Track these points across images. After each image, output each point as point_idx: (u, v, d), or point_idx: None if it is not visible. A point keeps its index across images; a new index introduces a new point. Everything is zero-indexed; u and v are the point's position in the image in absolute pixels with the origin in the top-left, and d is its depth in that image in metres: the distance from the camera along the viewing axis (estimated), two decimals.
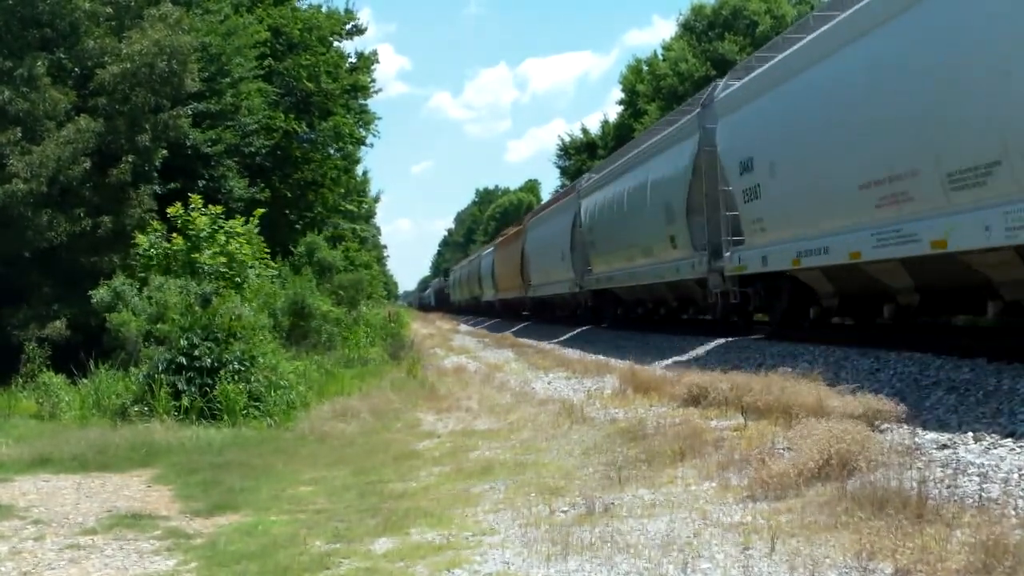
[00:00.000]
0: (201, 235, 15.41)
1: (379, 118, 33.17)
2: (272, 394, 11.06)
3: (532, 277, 31.48)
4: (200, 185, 18.29)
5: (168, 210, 15.79)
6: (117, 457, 8.55)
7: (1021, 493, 4.77)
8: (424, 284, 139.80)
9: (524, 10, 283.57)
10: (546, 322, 31.57)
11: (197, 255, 15.13)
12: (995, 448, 5.70)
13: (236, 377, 10.84)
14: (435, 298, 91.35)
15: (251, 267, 16.14)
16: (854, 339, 10.97)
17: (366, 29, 30.32)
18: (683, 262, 15.70)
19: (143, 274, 14.90)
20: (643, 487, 6.03)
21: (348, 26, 29.03)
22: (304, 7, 27.91)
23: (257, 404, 10.81)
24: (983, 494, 4.83)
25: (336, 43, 28.39)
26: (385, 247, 79.19)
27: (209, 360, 10.84)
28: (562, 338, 23.39)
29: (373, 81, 30.39)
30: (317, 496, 6.81)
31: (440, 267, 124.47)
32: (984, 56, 7.27)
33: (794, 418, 7.06)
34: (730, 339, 14.37)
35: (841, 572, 4.01)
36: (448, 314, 65.12)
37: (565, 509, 5.65)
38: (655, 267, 17.36)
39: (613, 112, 57.16)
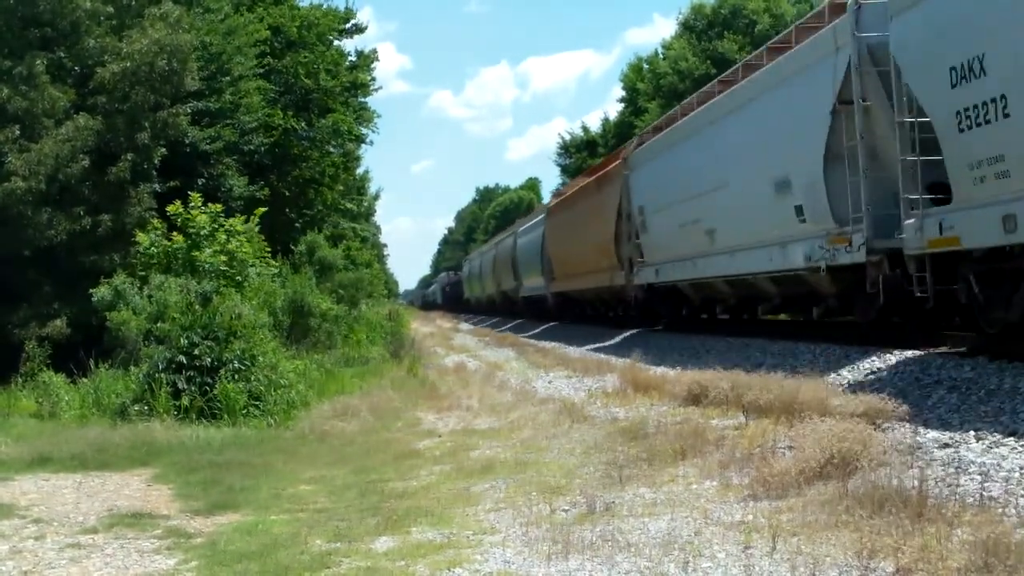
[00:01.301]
0: (201, 233, 15.41)
1: (379, 116, 33.04)
2: (272, 393, 11.05)
3: (648, 251, 18.36)
4: (199, 183, 18.24)
5: (168, 208, 15.78)
6: (117, 456, 8.55)
7: (1022, 492, 4.76)
8: (426, 282, 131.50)
9: (525, 9, 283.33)
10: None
11: (198, 253, 15.11)
12: (997, 447, 5.70)
13: (236, 376, 10.83)
14: (442, 295, 78.26)
15: (252, 266, 16.13)
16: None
17: (366, 27, 30.31)
18: None
19: (143, 273, 14.87)
20: (644, 486, 6.03)
21: (348, 24, 29.01)
22: (304, 5, 27.90)
23: (257, 403, 10.80)
24: (984, 493, 4.83)
25: (336, 41, 28.38)
26: (385, 246, 78.76)
27: (209, 359, 10.83)
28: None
29: (373, 79, 30.37)
30: (317, 495, 6.81)
31: (440, 265, 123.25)
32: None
33: (795, 417, 7.05)
34: None
35: (842, 571, 4.01)
36: (462, 315, 55.21)
37: (566, 508, 5.64)
38: None
39: (614, 110, 57.22)
